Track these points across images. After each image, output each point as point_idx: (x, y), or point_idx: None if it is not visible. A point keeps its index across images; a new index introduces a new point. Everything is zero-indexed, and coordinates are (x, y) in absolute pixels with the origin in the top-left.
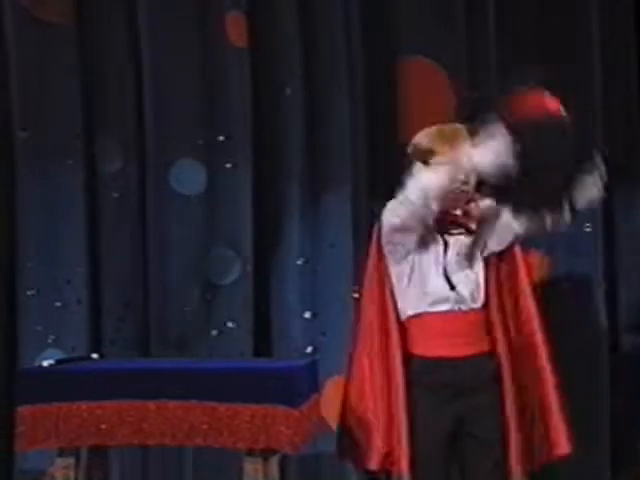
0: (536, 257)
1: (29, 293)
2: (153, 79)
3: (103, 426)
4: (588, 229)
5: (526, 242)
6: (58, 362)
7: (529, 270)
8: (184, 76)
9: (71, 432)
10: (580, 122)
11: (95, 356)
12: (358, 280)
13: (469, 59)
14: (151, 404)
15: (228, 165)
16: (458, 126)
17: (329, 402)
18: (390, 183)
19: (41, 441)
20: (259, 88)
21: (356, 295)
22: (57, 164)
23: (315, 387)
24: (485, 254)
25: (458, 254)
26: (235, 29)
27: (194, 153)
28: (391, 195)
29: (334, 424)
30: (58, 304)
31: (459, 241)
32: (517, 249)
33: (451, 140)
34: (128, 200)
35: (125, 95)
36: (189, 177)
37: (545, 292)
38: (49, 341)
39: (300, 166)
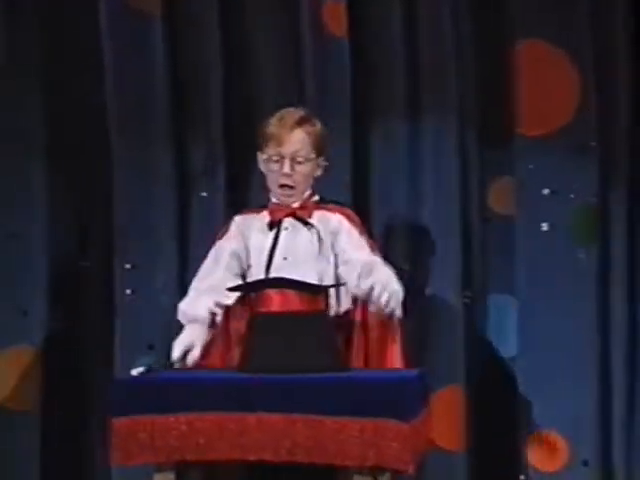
0: None
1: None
2: (243, 72)
3: (202, 440)
4: None
5: None
6: (147, 371)
7: None
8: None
9: (168, 446)
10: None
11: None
12: None
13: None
14: (251, 417)
15: None
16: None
17: None
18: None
19: (136, 455)
20: (357, 77)
21: None
22: (150, 160)
23: (426, 400)
24: None
25: None
26: (334, 18)
27: None
28: None
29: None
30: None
31: None
32: None
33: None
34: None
35: (212, 91)
36: None
37: None
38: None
39: None
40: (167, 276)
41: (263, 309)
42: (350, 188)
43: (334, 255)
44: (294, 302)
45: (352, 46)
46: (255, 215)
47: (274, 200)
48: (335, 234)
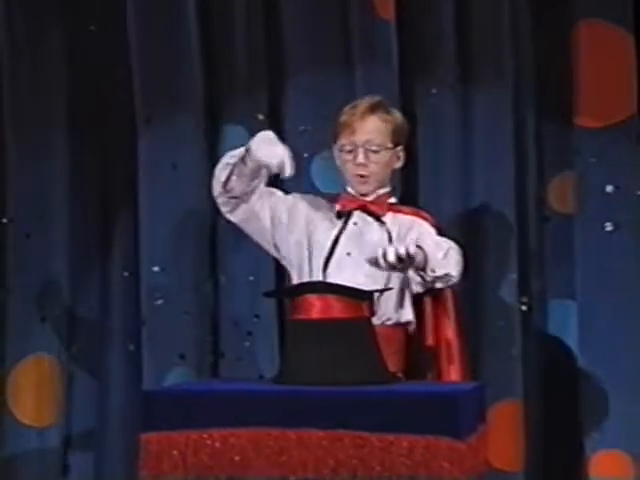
0: None
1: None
2: (285, 54)
3: (237, 457)
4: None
5: None
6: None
7: None
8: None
9: (201, 463)
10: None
11: None
12: None
13: None
14: (292, 433)
15: None
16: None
17: None
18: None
19: (167, 473)
20: (408, 62)
21: None
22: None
23: (482, 416)
24: None
25: None
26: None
27: None
28: None
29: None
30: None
31: None
32: None
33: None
34: None
35: (252, 72)
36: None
37: None
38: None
39: None
40: (197, 279)
41: (303, 316)
42: (397, 184)
43: None
44: (335, 308)
45: (399, 29)
46: (324, 202)
47: (348, 189)
48: (407, 231)
